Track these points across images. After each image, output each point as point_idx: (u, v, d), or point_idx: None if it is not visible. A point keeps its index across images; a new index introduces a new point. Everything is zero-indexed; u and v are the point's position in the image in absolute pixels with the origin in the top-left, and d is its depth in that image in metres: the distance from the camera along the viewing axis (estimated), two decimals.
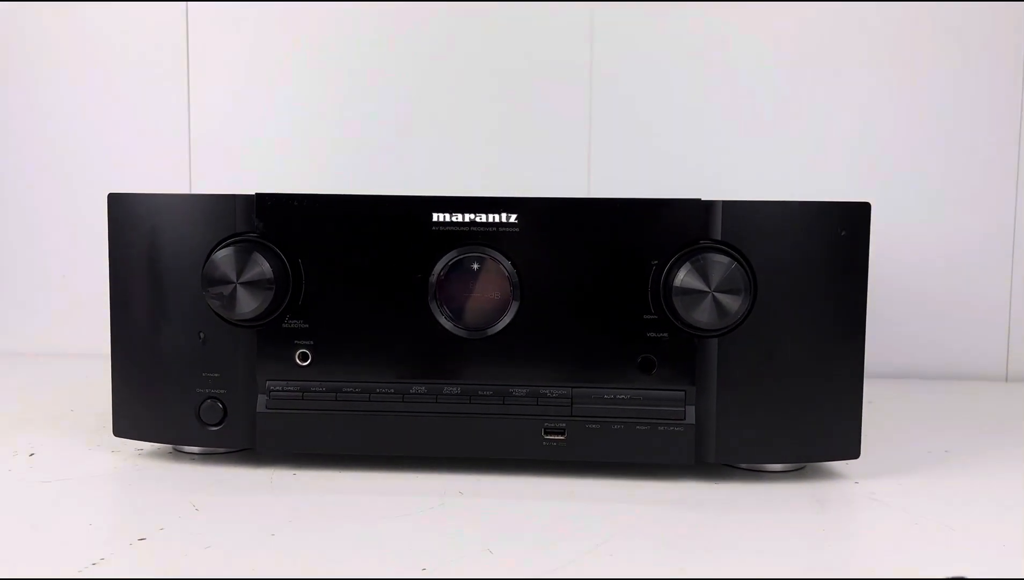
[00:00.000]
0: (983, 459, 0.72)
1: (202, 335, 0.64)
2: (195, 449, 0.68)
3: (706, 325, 0.60)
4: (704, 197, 0.62)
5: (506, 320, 0.63)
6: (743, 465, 0.66)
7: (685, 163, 1.09)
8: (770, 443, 0.63)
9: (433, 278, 0.63)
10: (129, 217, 0.65)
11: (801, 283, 0.62)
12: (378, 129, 1.12)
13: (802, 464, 0.66)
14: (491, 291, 0.63)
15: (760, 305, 0.61)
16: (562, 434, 0.63)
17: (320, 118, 1.12)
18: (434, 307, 0.63)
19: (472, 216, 0.63)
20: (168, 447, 0.70)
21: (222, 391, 0.65)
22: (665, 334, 0.62)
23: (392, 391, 0.64)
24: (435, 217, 0.63)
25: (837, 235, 0.62)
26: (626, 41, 1.08)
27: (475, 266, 0.63)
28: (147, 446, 0.70)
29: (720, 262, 0.60)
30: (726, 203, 0.62)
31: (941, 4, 1.07)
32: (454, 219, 0.63)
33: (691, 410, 0.63)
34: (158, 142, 1.13)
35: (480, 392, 0.64)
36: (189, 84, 1.13)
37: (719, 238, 0.62)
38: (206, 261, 0.63)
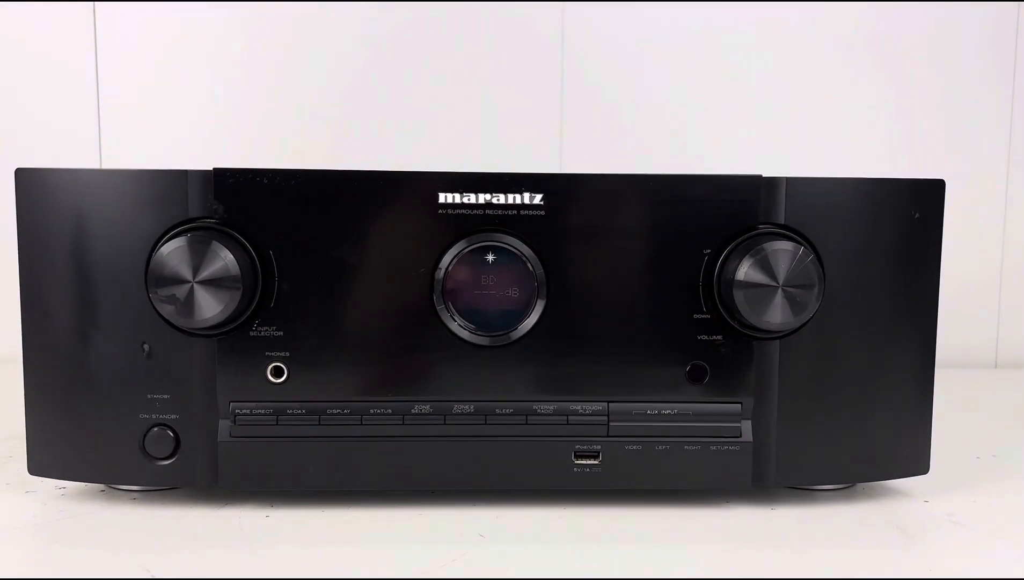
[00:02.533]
0: None
1: (146, 347, 0.52)
2: (133, 487, 0.55)
3: (777, 326, 0.51)
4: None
5: (529, 323, 0.53)
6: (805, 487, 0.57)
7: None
8: (836, 461, 0.55)
9: (440, 273, 0.52)
10: (45, 198, 0.51)
11: (870, 274, 0.54)
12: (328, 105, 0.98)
13: (859, 483, 0.58)
14: (511, 288, 0.53)
15: (827, 300, 0.52)
16: (596, 458, 0.54)
17: (260, 91, 0.98)
18: (441, 308, 0.53)
19: (488, 197, 0.52)
20: (98, 486, 0.56)
21: (173, 416, 0.52)
22: (719, 336, 0.53)
23: (390, 412, 0.53)
24: (442, 198, 0.52)
25: (910, 217, 0.53)
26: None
27: (491, 258, 0.52)
28: (69, 484, 0.57)
29: (789, 251, 0.50)
30: (791, 180, 0.52)
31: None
32: (466, 200, 0.52)
33: (747, 425, 0.54)
34: (64, 115, 0.97)
35: (498, 410, 0.53)
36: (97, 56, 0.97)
37: (782, 222, 0.52)
38: (152, 254, 0.50)
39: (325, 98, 0.99)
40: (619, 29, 1.00)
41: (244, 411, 0.52)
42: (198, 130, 0.99)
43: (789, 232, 0.52)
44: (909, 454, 0.56)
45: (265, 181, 0.51)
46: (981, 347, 1.05)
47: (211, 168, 0.51)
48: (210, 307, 0.49)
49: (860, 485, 0.58)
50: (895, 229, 0.54)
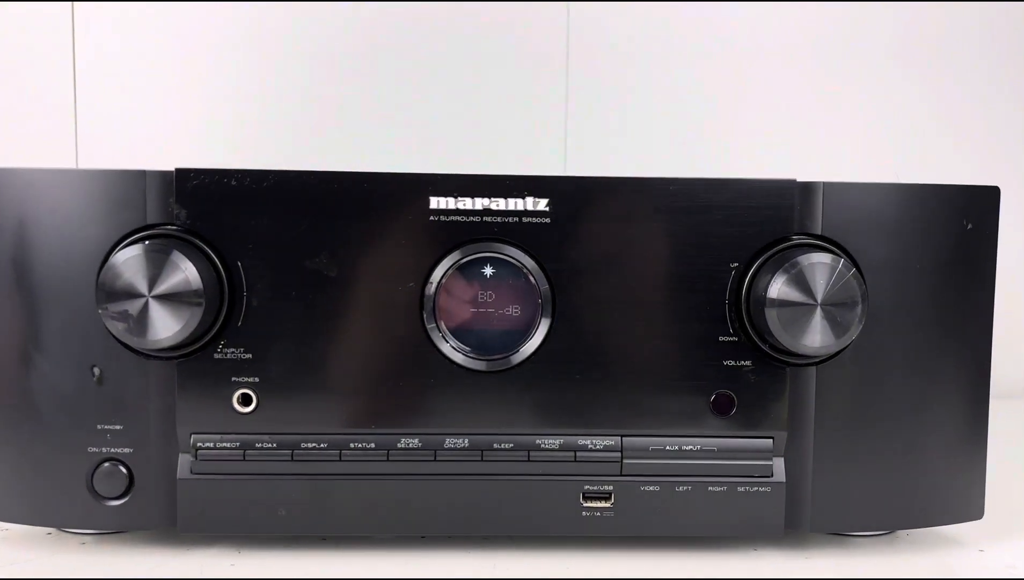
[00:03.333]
0: None
1: (97, 371, 0.46)
2: (82, 531, 0.50)
3: (816, 350, 0.45)
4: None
5: (532, 345, 0.47)
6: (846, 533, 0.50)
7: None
8: (879, 504, 0.49)
9: (431, 288, 0.47)
10: None
11: (917, 291, 0.48)
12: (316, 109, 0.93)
13: (905, 529, 0.51)
14: (511, 305, 0.47)
15: (868, 321, 0.46)
16: (608, 500, 0.48)
17: (246, 93, 0.93)
18: (432, 328, 0.47)
19: (486, 202, 0.46)
20: (45, 529, 0.50)
21: (126, 450, 0.47)
22: (748, 362, 0.47)
23: (372, 446, 0.47)
24: (434, 203, 0.46)
25: (962, 228, 0.48)
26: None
27: (489, 271, 0.47)
28: (12, 527, 0.50)
29: (827, 264, 0.45)
30: (828, 185, 0.47)
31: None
32: (460, 206, 0.46)
33: (780, 463, 0.48)
34: (40, 117, 0.92)
35: (496, 445, 0.47)
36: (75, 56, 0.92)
37: (819, 232, 0.46)
38: (103, 264, 0.45)
39: (313, 96, 0.94)
40: (628, 26, 0.94)
41: (207, 444, 0.47)
42: (170, 130, 0.94)
43: (827, 243, 0.46)
44: (961, 496, 0.50)
45: (233, 183, 0.45)
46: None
47: (172, 168, 0.45)
48: (167, 325, 0.43)
49: (905, 532, 0.52)
50: (945, 241, 0.48)
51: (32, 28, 0.92)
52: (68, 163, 0.92)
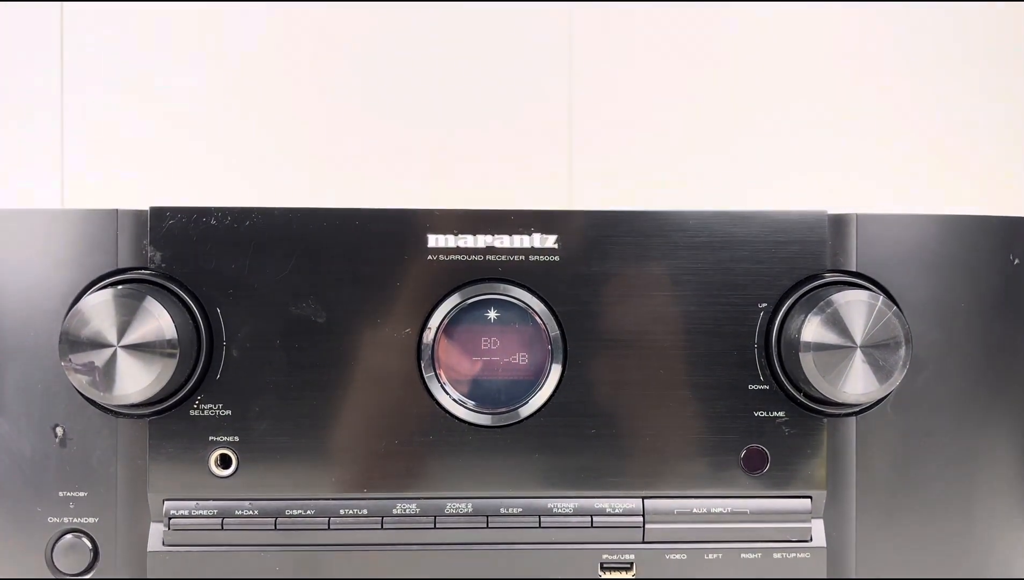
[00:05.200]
0: None
1: (59, 431, 0.43)
2: None
3: (858, 397, 0.41)
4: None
5: (542, 397, 0.44)
6: None
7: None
8: (929, 568, 0.45)
9: (429, 334, 0.43)
10: None
11: (961, 333, 0.45)
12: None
13: None
14: (519, 353, 0.44)
15: (911, 366, 0.42)
16: (630, 570, 0.44)
17: (229, 124, 0.91)
18: (431, 378, 0.43)
19: (489, 239, 0.43)
20: None
21: (91, 520, 0.43)
22: (781, 413, 0.44)
23: (365, 513, 0.44)
24: (431, 241, 0.43)
25: (1008, 263, 0.45)
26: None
27: (493, 315, 0.44)
28: None
29: (865, 302, 0.41)
30: (862, 217, 0.43)
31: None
32: (461, 244, 0.43)
33: (819, 526, 0.44)
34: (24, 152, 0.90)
35: (503, 509, 0.44)
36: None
37: (854, 269, 0.43)
38: (68, 311, 0.41)
39: (296, 126, 0.92)
40: (638, 45, 0.92)
41: (181, 512, 0.43)
42: (153, 168, 0.91)
43: (863, 280, 0.43)
44: (1018, 560, 0.46)
45: (212, 222, 0.42)
46: None
47: (147, 207, 0.42)
48: (137, 379, 0.40)
49: None
50: (990, 277, 0.45)
51: (21, 64, 0.91)
52: (54, 202, 0.90)
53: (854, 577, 0.44)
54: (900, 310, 0.43)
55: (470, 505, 0.44)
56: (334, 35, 0.91)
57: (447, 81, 0.90)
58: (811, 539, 0.44)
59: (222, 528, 0.43)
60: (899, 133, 0.94)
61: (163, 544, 0.43)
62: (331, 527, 0.43)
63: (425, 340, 0.43)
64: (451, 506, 0.44)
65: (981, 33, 0.93)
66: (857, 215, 0.44)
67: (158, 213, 0.42)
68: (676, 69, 0.92)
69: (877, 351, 0.41)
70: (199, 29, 0.90)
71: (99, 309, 0.40)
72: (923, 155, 0.94)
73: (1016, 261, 0.45)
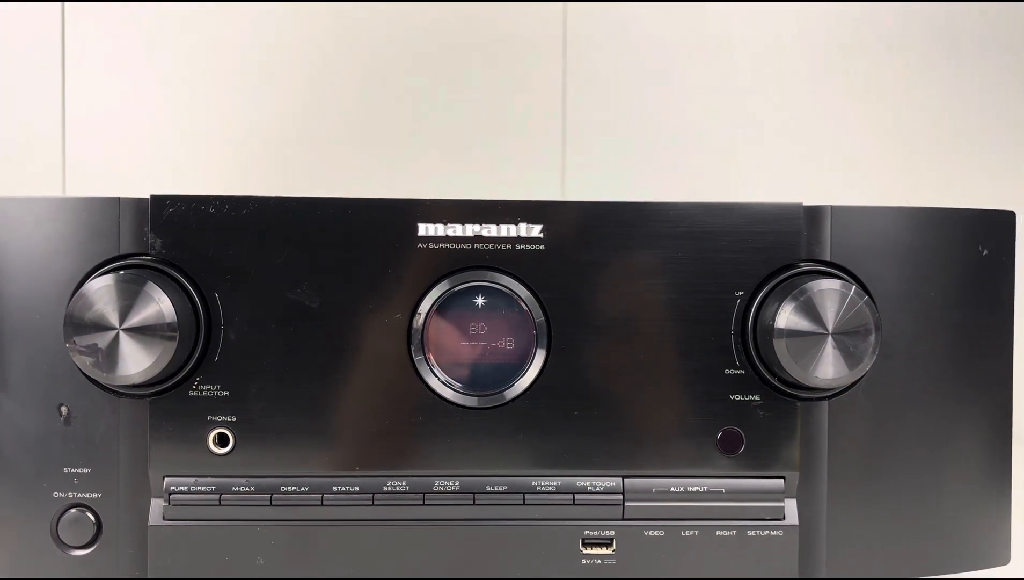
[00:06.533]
0: None
1: (64, 410, 0.44)
2: None
3: (828, 382, 0.42)
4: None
5: (527, 379, 0.45)
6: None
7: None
8: (898, 549, 0.46)
9: (419, 319, 0.44)
10: None
11: (932, 321, 0.46)
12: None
13: (927, 576, 0.49)
14: (505, 337, 0.45)
15: (881, 352, 0.44)
16: (610, 546, 0.45)
17: (226, 119, 0.92)
18: (419, 361, 0.44)
19: (477, 228, 0.44)
20: None
21: (94, 495, 0.44)
22: (756, 396, 0.45)
23: (357, 490, 0.44)
24: (422, 229, 0.44)
25: (977, 255, 0.46)
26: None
27: (481, 301, 0.45)
28: None
29: (838, 291, 0.43)
30: (836, 209, 0.45)
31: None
32: (451, 233, 0.44)
33: (792, 505, 0.45)
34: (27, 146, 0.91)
35: (489, 487, 0.45)
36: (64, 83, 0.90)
37: (828, 258, 0.44)
38: (72, 296, 0.42)
39: (292, 118, 0.92)
40: (629, 42, 0.93)
41: (181, 488, 0.44)
42: (154, 158, 0.92)
43: (836, 270, 0.45)
44: (985, 540, 0.48)
45: (211, 210, 0.43)
46: None
47: (147, 195, 0.43)
48: (138, 360, 0.41)
49: (928, 579, 0.49)
50: (960, 268, 0.46)
51: (21, 56, 0.91)
52: (56, 192, 0.91)
53: (825, 555, 0.45)
54: (872, 299, 0.44)
55: (457, 483, 0.45)
56: (338, 28, 0.92)
57: (446, 76, 0.91)
58: (784, 518, 0.45)
59: (220, 504, 0.44)
60: (877, 128, 0.95)
61: (163, 519, 0.44)
62: (324, 503, 0.44)
63: (415, 325, 0.44)
64: (439, 484, 0.45)
65: (948, 33, 0.94)
66: (831, 207, 0.45)
67: (159, 201, 0.43)
68: (665, 62, 0.93)
69: (848, 338, 0.42)
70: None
71: (102, 293, 0.41)
72: (898, 149, 0.95)
73: (985, 252, 0.46)
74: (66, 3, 0.90)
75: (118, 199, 0.44)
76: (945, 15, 0.94)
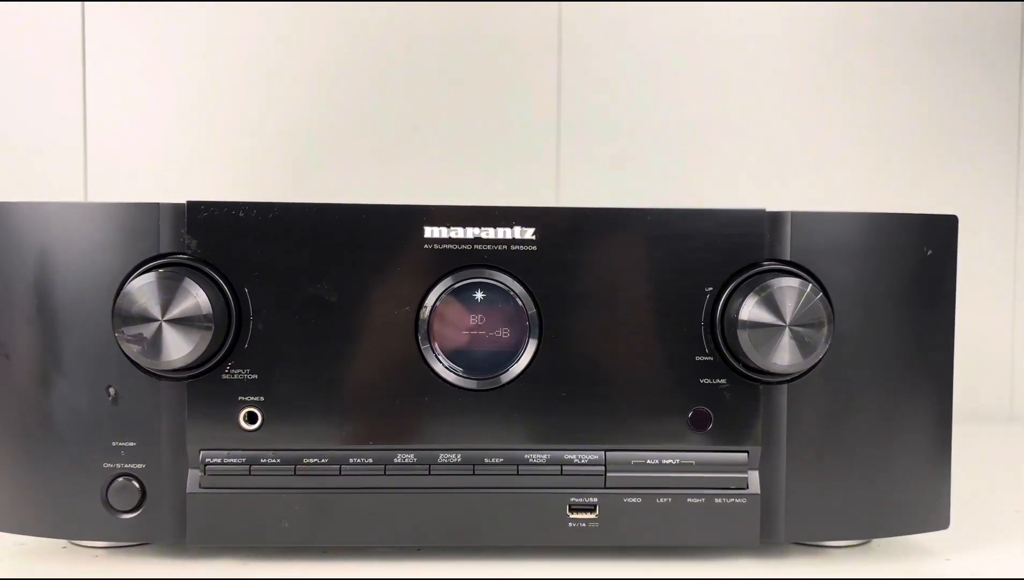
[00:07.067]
0: None
1: (112, 391, 0.48)
2: (96, 543, 0.52)
3: (785, 368, 0.48)
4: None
5: (520, 365, 0.50)
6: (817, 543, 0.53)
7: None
8: (850, 514, 0.51)
9: (425, 311, 0.49)
10: (8, 233, 0.49)
11: (882, 314, 0.51)
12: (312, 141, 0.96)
13: (875, 538, 0.54)
14: (501, 328, 0.50)
15: (836, 341, 0.49)
16: (593, 511, 0.50)
17: (238, 126, 0.96)
18: (426, 349, 0.49)
19: (476, 231, 0.49)
20: (60, 541, 0.52)
21: (139, 466, 0.49)
22: (723, 380, 0.50)
23: (371, 461, 0.49)
24: (427, 232, 0.49)
25: (922, 254, 0.51)
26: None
27: (480, 295, 0.49)
28: (29, 540, 0.53)
29: (795, 288, 0.47)
30: (796, 214, 0.50)
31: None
32: (453, 235, 0.49)
33: (755, 476, 0.50)
34: (49, 152, 0.95)
35: (487, 459, 0.50)
36: (85, 88, 0.95)
37: (787, 258, 0.49)
38: (119, 292, 0.47)
39: (308, 128, 0.97)
40: (620, 59, 0.98)
41: (215, 460, 0.49)
42: (173, 161, 0.97)
43: (795, 269, 0.49)
44: (927, 507, 0.52)
45: (241, 215, 0.49)
46: (994, 399, 1.02)
47: (184, 201, 0.48)
48: (179, 347, 0.46)
49: (877, 541, 0.55)
50: (907, 266, 0.51)
51: (42, 57, 0.96)
52: (77, 190, 0.95)
53: (784, 520, 0.50)
54: (827, 295, 0.49)
55: (459, 456, 0.50)
56: (340, 29, 0.97)
57: (446, 75, 0.96)
58: (747, 487, 0.50)
59: (249, 474, 0.49)
60: (862, 127, 1.00)
61: (199, 487, 0.48)
62: (342, 473, 0.49)
63: (422, 316, 0.49)
64: (443, 456, 0.49)
65: (899, 49, 0.99)
66: (792, 212, 0.49)
67: (194, 206, 0.48)
68: (658, 61, 0.98)
69: (803, 330, 0.47)
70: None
71: (145, 289, 0.46)
72: (857, 160, 1.00)
73: (929, 252, 0.50)
74: (86, 3, 0.95)
75: (158, 205, 0.48)
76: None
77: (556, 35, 0.96)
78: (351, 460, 0.49)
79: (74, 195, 0.94)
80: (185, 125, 0.97)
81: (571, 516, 0.50)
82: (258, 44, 0.96)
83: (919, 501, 0.52)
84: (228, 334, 0.48)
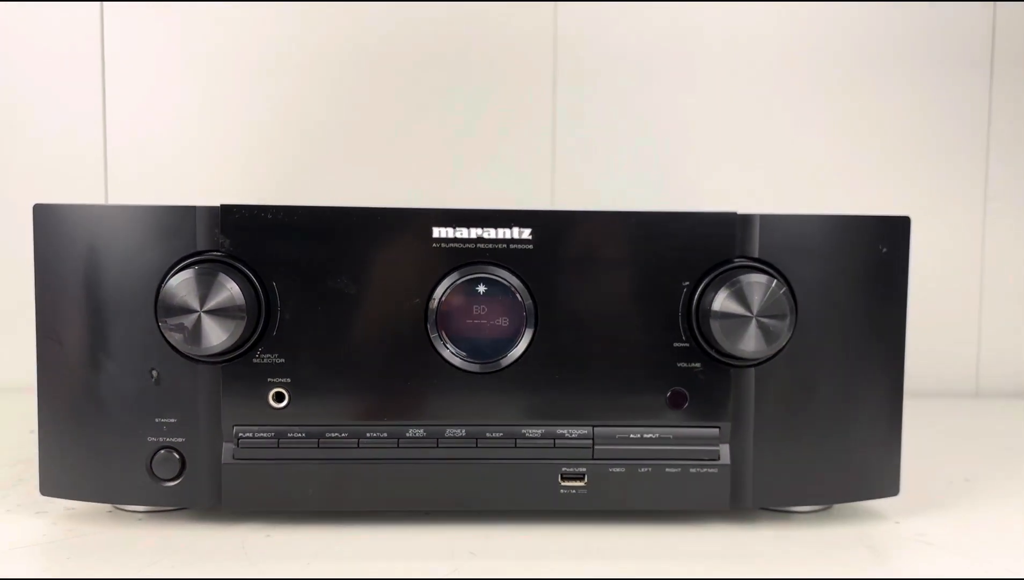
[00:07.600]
0: (1004, 485, 0.68)
1: (155, 373, 0.54)
2: (139, 508, 0.58)
3: (751, 354, 0.53)
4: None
5: (518, 350, 0.55)
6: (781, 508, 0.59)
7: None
8: (810, 483, 0.57)
9: (433, 303, 0.55)
10: (61, 232, 0.54)
11: (840, 305, 0.56)
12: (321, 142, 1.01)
13: (832, 504, 0.60)
14: (501, 317, 0.55)
15: (799, 330, 0.55)
16: (582, 480, 0.56)
17: (256, 123, 1.01)
18: (434, 336, 0.55)
19: (479, 231, 0.55)
20: (106, 506, 0.58)
21: (180, 439, 0.55)
22: (698, 364, 0.56)
23: (385, 435, 0.55)
24: (436, 232, 0.55)
25: (878, 252, 0.56)
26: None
27: (482, 289, 0.55)
28: (78, 505, 0.59)
29: (762, 283, 0.53)
30: (764, 217, 0.55)
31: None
32: (458, 235, 0.55)
33: (725, 449, 0.56)
34: (71, 153, 1.00)
35: (488, 434, 0.56)
36: (104, 90, 1.00)
37: (756, 256, 0.55)
38: (161, 286, 0.53)
39: (306, 128, 1.02)
40: (616, 66, 1.02)
41: (247, 435, 0.55)
42: (190, 162, 1.02)
43: (763, 265, 0.55)
44: (880, 476, 0.58)
45: (269, 216, 0.54)
46: (961, 376, 1.08)
47: (218, 204, 0.54)
48: (216, 335, 0.52)
49: (835, 507, 0.61)
50: (864, 263, 0.56)
51: (61, 61, 1.00)
52: (97, 189, 1.00)
53: (751, 488, 0.56)
54: (791, 289, 0.54)
55: (464, 431, 0.55)
56: (341, 30, 1.01)
57: (445, 75, 1.00)
58: (719, 459, 0.55)
59: (278, 447, 0.54)
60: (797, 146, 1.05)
61: (233, 458, 0.54)
62: (360, 446, 0.54)
63: (431, 307, 0.54)
64: (449, 431, 0.55)
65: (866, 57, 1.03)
66: (760, 215, 0.55)
67: (227, 209, 0.54)
68: (651, 60, 1.03)
69: (768, 320, 0.53)
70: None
71: (185, 284, 0.51)
72: (836, 159, 1.05)
73: (884, 250, 0.56)
74: (105, 3, 0.99)
75: (194, 207, 0.54)
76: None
77: (551, 33, 1.01)
78: (368, 434, 0.55)
79: (94, 192, 0.99)
80: (206, 123, 1.01)
81: (562, 484, 0.55)
82: (267, 44, 1.01)
83: (873, 471, 0.57)
84: (258, 323, 0.54)
